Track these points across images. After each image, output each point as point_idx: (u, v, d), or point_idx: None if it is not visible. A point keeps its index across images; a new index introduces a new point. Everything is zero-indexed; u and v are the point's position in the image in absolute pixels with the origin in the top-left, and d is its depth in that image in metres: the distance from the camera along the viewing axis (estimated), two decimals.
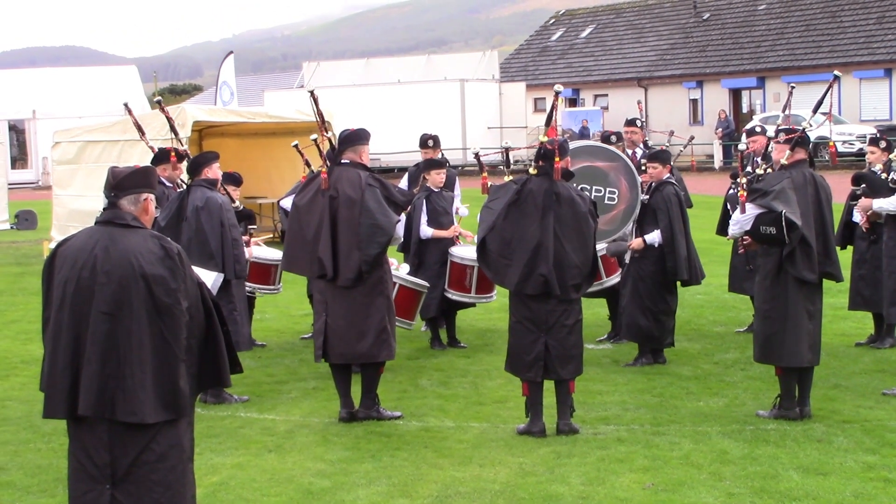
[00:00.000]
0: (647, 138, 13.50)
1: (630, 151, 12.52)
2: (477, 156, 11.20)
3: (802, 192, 8.84)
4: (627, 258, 11.30)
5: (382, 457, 8.21)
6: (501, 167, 9.66)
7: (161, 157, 10.86)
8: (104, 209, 5.70)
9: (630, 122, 13.14)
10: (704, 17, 56.65)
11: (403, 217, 9.47)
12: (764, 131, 12.11)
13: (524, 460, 8.05)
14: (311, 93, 9.82)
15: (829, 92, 9.63)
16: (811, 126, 9.66)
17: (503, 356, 9.08)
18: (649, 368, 10.90)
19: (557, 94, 9.05)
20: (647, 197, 11.14)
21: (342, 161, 9.25)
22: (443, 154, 12.60)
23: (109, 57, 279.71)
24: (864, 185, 11.13)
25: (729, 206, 11.97)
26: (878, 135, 11.74)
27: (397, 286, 10.75)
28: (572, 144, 11.43)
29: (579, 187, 9.52)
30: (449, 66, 51.16)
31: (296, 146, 10.63)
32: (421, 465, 8.02)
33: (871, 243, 11.38)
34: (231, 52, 42.70)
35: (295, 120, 20.87)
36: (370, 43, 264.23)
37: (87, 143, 20.42)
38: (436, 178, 11.96)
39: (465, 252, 11.73)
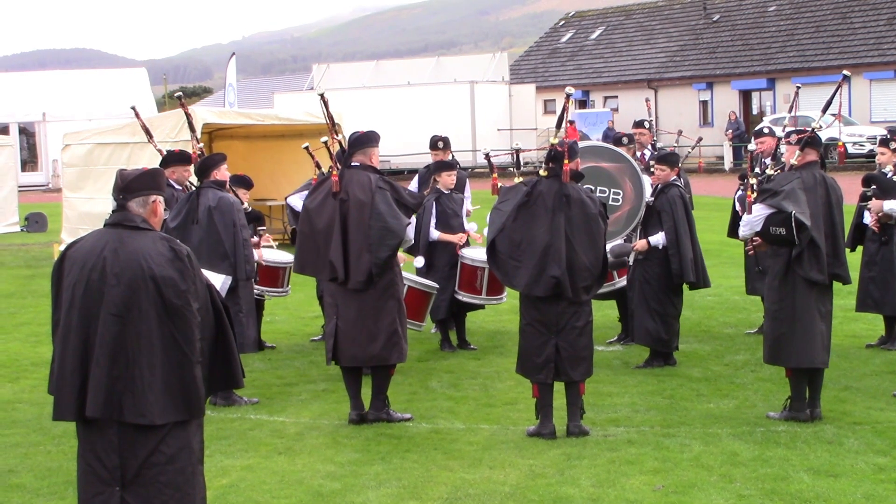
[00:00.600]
0: (655, 139, 13.48)
1: (638, 153, 12.51)
2: (487, 157, 11.19)
3: (813, 193, 8.79)
4: (631, 259, 11.27)
5: (392, 459, 8.20)
6: (511, 169, 9.65)
7: (170, 159, 10.84)
8: (113, 212, 5.69)
9: (638, 124, 13.16)
10: (714, 19, 56.51)
11: (414, 219, 9.45)
12: (772, 132, 12.09)
13: (534, 462, 8.04)
14: (322, 96, 9.81)
15: (839, 92, 9.60)
16: (820, 126, 9.63)
17: (513, 358, 9.08)
18: (659, 370, 10.87)
19: (569, 96, 9.02)
20: (652, 199, 11.11)
21: (352, 164, 9.25)
22: (453, 156, 12.60)
23: (119, 59, 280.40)
24: (874, 187, 11.10)
25: (738, 207, 11.94)
26: (888, 136, 11.70)
27: (406, 287, 10.75)
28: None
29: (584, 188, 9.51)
30: (459, 68, 51.11)
31: (306, 148, 10.64)
32: (431, 467, 8.01)
33: (881, 245, 11.35)
34: (233, 54, 42.72)
35: (304, 122, 20.89)
36: (380, 45, 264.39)
37: (97, 146, 20.47)
38: (446, 180, 11.96)
39: (476, 253, 11.72)
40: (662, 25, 58.96)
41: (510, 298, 11.85)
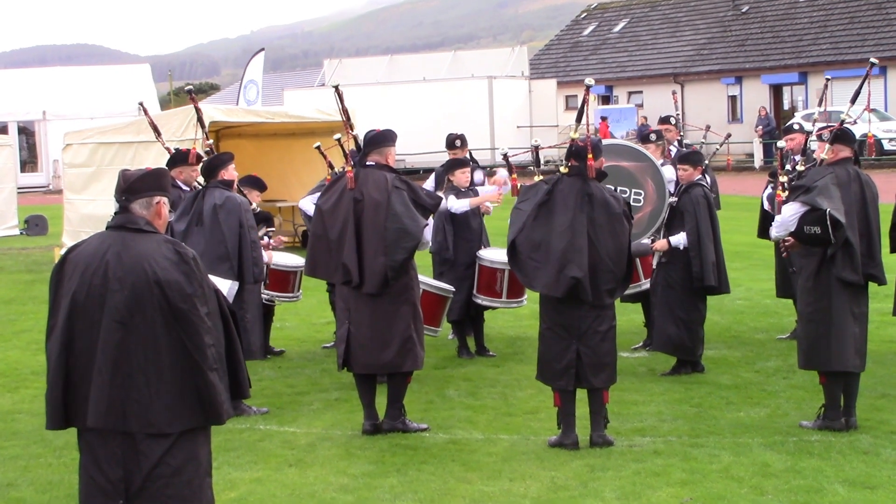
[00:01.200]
0: (681, 135, 13.28)
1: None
2: (506, 157, 11.02)
3: (846, 190, 8.64)
4: (655, 262, 11.06)
5: (408, 471, 8.11)
6: (531, 167, 9.46)
7: (177, 158, 10.76)
8: (115, 213, 5.61)
9: (664, 120, 13.03)
10: (743, 10, 55.90)
11: (431, 221, 9.26)
12: (802, 129, 11.87)
13: (556, 474, 7.94)
14: (336, 88, 9.76)
15: (866, 81, 9.36)
16: (850, 118, 9.38)
17: (534, 365, 8.96)
18: (687, 377, 10.71)
19: (588, 87, 8.86)
20: (675, 199, 10.87)
21: (367, 163, 9.07)
22: (471, 153, 12.49)
23: (123, 55, 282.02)
24: None
25: (767, 206, 11.67)
26: None
27: (421, 291, 10.53)
28: None
29: None
30: (476, 63, 50.91)
31: (318, 148, 10.59)
32: (448, 479, 7.92)
33: None
34: (262, 50, 42.72)
35: (316, 120, 20.70)
36: (394, 39, 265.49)
37: (100, 145, 20.29)
38: (461, 178, 11.79)
39: (494, 255, 11.57)
40: (689, 17, 58.42)
41: (530, 303, 11.69)
